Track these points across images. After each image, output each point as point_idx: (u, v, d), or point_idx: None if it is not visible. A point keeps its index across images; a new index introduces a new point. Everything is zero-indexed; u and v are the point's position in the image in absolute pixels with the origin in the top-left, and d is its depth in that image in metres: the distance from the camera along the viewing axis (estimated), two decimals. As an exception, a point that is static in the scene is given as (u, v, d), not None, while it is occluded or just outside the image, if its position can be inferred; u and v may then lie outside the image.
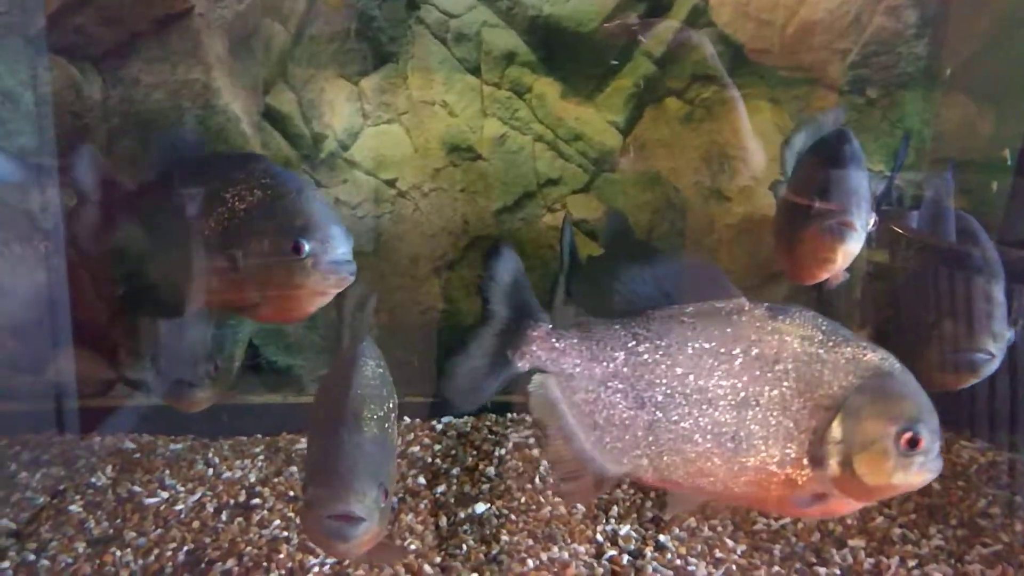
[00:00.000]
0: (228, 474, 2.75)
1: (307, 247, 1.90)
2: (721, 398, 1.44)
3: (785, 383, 1.41)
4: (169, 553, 2.25)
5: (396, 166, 3.17)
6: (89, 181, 2.32)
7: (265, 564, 2.17)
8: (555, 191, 3.21)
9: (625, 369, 1.50)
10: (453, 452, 2.88)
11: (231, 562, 2.19)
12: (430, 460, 2.81)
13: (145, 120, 3.03)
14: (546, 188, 3.21)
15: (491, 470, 2.69)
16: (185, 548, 2.27)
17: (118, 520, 2.43)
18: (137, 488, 2.62)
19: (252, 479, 2.71)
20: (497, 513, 2.39)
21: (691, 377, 1.46)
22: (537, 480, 2.62)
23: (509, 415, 3.16)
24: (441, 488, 2.61)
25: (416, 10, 3.12)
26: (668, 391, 1.47)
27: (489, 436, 2.98)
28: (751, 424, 1.41)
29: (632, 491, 2.54)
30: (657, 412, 1.47)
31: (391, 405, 1.83)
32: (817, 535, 2.24)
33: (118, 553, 2.25)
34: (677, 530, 2.26)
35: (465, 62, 3.15)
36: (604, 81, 3.20)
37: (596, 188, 3.22)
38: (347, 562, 2.11)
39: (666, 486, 1.52)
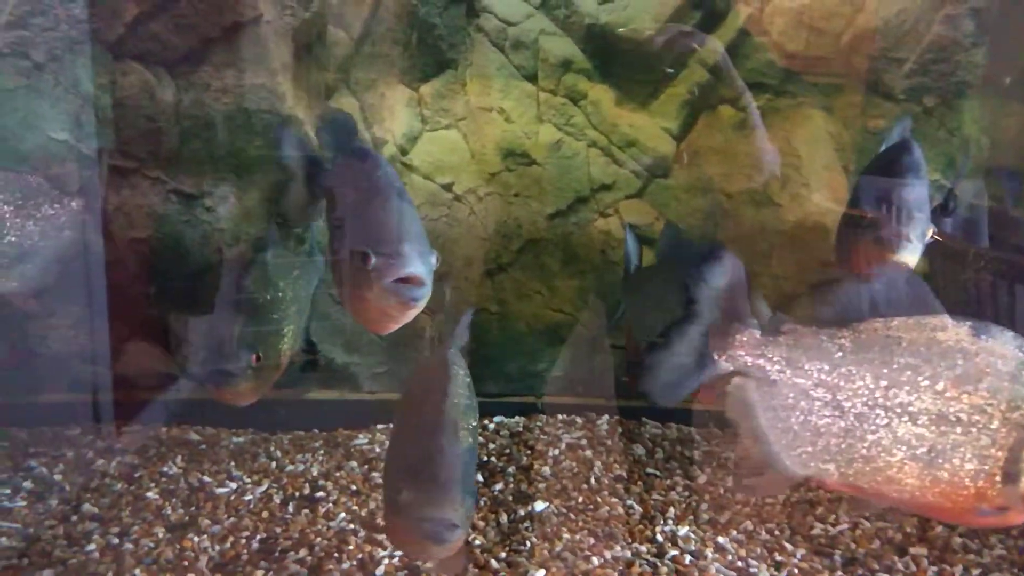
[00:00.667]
0: (291, 467, 2.84)
1: (373, 260, 1.76)
2: (922, 413, 1.48)
3: (987, 401, 1.46)
4: (243, 541, 2.35)
5: (453, 170, 3.25)
6: (295, 159, 2.30)
7: (336, 555, 2.26)
8: (608, 196, 3.26)
9: (829, 379, 1.55)
10: (507, 451, 2.95)
11: (303, 552, 2.28)
12: (485, 458, 2.88)
13: (214, 123, 3.16)
14: (599, 193, 3.26)
15: (546, 469, 2.75)
16: (258, 537, 2.37)
17: (192, 508, 2.53)
18: (207, 478, 2.73)
19: (314, 472, 2.80)
20: (556, 511, 2.46)
21: (894, 390, 1.50)
22: (592, 480, 2.69)
23: (560, 416, 3.23)
24: (499, 486, 2.68)
25: (475, 18, 3.19)
26: (870, 403, 1.51)
27: (542, 436, 3.05)
28: (950, 439, 1.46)
29: (687, 493, 2.59)
30: (855, 422, 1.52)
31: (476, 416, 1.90)
32: (877, 542, 2.27)
33: (195, 539, 2.35)
34: (735, 532, 2.31)
35: (522, 69, 3.22)
36: (658, 88, 3.25)
37: (649, 194, 3.27)
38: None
39: (848, 491, 1.58)
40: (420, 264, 1.72)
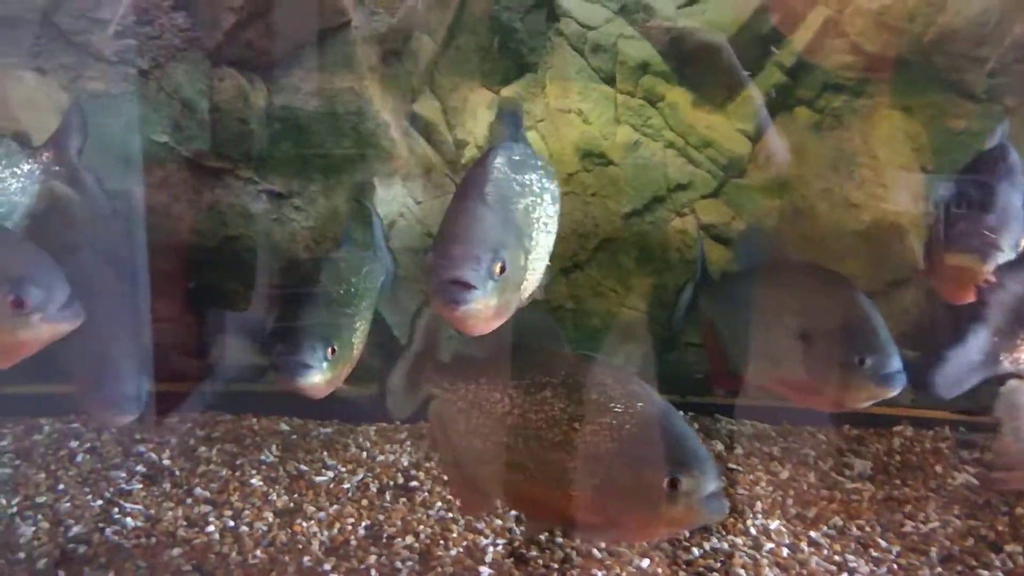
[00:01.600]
0: (381, 457, 2.96)
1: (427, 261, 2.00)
2: None
3: None
4: (350, 527, 2.47)
5: (531, 171, 3.33)
6: None
7: (441, 542, 2.37)
8: (684, 196, 3.32)
9: None
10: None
11: (409, 538, 2.39)
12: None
13: (303, 125, 3.29)
14: (676, 193, 3.32)
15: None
16: (363, 524, 2.49)
17: (295, 495, 2.66)
18: (303, 467, 2.86)
19: (405, 463, 2.91)
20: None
21: None
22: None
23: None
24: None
25: (555, 23, 3.27)
26: None
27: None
28: None
29: (772, 488, 2.66)
30: None
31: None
32: (971, 540, 2.32)
33: (304, 524, 2.49)
34: (825, 527, 2.37)
35: (600, 72, 3.29)
36: (735, 90, 3.29)
37: (725, 194, 3.32)
38: (519, 538, 2.30)
39: None
40: (466, 268, 1.70)
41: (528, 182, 1.99)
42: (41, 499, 2.55)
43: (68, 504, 2.53)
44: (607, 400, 1.81)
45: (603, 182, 3.33)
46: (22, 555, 2.26)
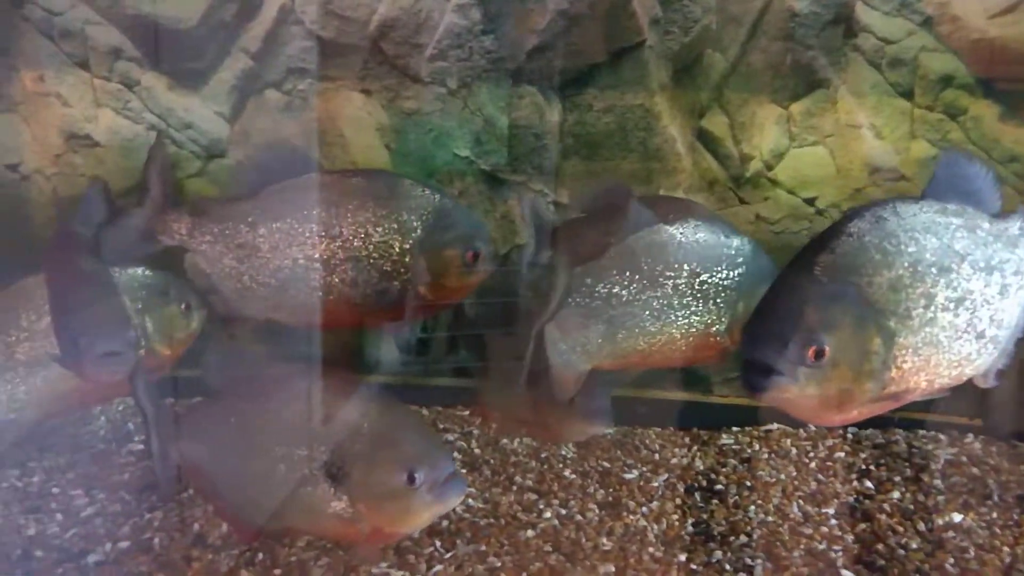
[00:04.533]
0: (674, 460, 3.07)
1: None
2: None
3: None
4: (676, 523, 2.58)
5: (816, 185, 3.34)
6: None
7: (779, 543, 2.43)
8: (983, 212, 3.21)
9: None
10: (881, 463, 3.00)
11: (743, 537, 2.47)
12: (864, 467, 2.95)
13: (593, 141, 3.47)
14: (974, 209, 3.22)
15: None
16: (689, 521, 2.60)
17: (610, 489, 2.81)
18: (606, 464, 3.01)
19: (700, 466, 3.00)
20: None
21: None
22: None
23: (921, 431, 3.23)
24: (895, 495, 2.74)
25: (853, 38, 3.27)
26: None
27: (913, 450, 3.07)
28: None
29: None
30: None
31: None
32: None
33: (631, 517, 2.62)
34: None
35: (898, 86, 3.25)
36: (1044, 103, 3.16)
37: (1030, 210, 3.19)
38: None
39: None
40: (768, 349, 1.60)
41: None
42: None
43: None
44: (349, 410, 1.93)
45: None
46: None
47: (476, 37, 3.40)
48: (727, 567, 2.31)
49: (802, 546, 2.40)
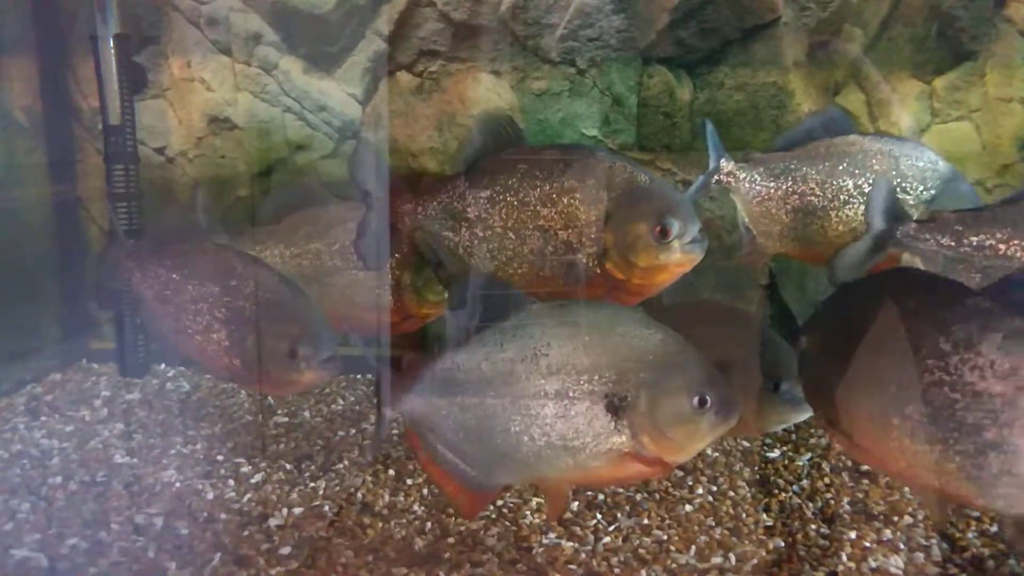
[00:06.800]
0: (813, 440, 3.03)
1: None
2: None
3: None
4: (832, 502, 2.57)
5: (960, 162, 3.20)
6: None
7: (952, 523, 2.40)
8: None
9: None
10: None
11: (907, 518, 2.44)
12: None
13: (724, 119, 3.44)
14: None
15: None
16: (846, 499, 2.57)
17: (755, 467, 2.81)
18: (745, 442, 3.00)
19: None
20: None
21: None
22: None
23: None
24: None
25: (1003, 8, 3.16)
26: None
27: None
28: None
29: None
30: None
31: None
32: None
33: (783, 495, 2.61)
34: None
35: (1052, 58, 3.14)
36: None
37: None
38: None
39: None
40: None
41: None
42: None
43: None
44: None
45: (1043, 174, 3.19)
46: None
47: (607, 16, 3.40)
48: (900, 546, 2.29)
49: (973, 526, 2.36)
